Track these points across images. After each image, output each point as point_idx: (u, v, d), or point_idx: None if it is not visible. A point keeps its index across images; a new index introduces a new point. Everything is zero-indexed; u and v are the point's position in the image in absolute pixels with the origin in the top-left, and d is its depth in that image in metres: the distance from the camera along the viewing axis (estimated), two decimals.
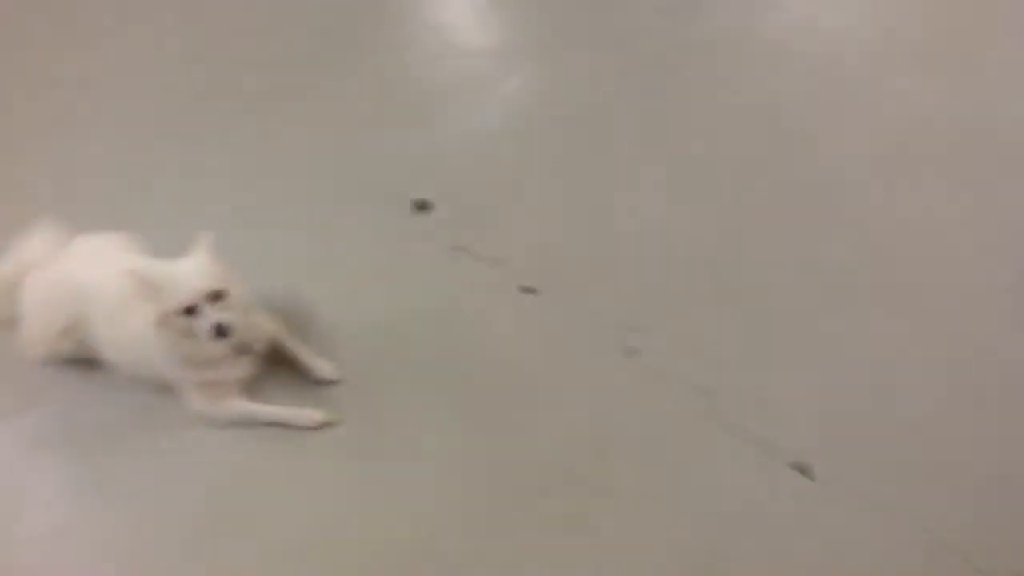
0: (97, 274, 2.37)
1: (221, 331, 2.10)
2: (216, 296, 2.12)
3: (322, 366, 2.39)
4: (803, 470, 2.07)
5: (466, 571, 1.96)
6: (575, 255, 2.68)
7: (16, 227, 2.61)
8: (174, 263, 2.18)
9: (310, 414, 2.28)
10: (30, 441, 2.36)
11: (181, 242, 2.20)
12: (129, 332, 2.26)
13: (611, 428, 2.21)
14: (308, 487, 2.17)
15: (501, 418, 2.27)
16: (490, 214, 2.85)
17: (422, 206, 2.89)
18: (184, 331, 2.13)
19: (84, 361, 2.45)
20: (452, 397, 2.34)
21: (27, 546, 2.11)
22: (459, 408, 2.31)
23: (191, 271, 2.14)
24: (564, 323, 2.47)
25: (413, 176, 3.02)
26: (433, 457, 2.20)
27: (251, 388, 2.34)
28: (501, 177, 3.01)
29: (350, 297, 2.64)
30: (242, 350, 2.27)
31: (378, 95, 3.49)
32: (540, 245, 2.73)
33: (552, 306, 2.52)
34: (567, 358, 2.39)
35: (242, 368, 2.32)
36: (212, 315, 2.10)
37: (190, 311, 2.10)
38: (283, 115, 3.42)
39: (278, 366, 2.41)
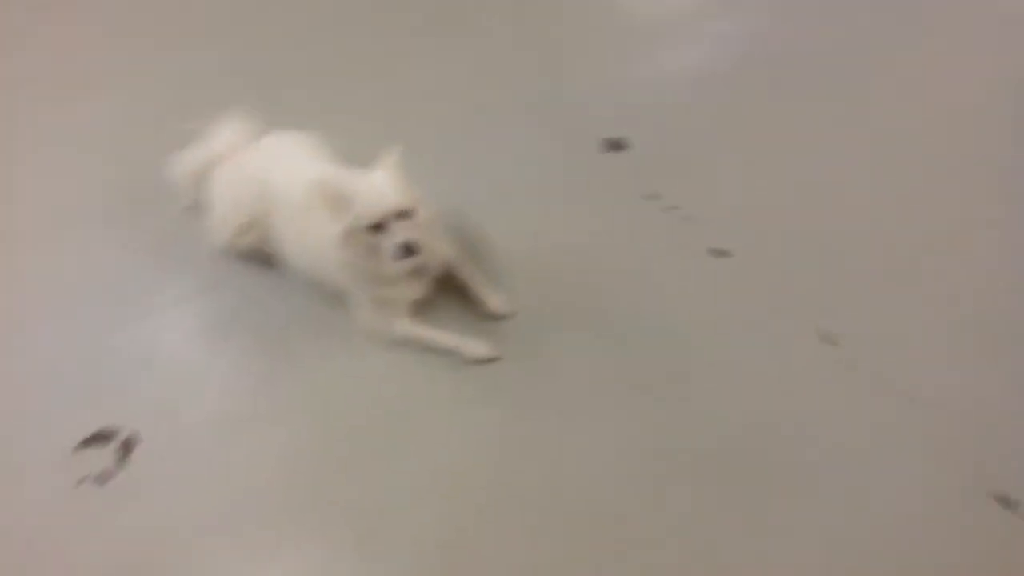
0: (284, 174, 2.35)
1: (408, 250, 2.04)
2: (404, 214, 2.06)
3: (494, 299, 2.30)
4: (1007, 503, 1.84)
5: (598, 533, 1.86)
6: (776, 222, 2.46)
7: (212, 115, 2.63)
8: (362, 175, 2.13)
9: (475, 346, 2.21)
10: (208, 326, 2.41)
11: (368, 152, 2.14)
12: (308, 237, 2.24)
13: (790, 419, 2.02)
14: (460, 419, 2.11)
15: (666, 385, 2.12)
16: (687, 164, 2.66)
17: (615, 145, 2.72)
18: (368, 247, 2.08)
19: (264, 257, 2.46)
20: (619, 353, 2.20)
21: (196, 428, 2.15)
22: (623, 366, 2.17)
23: (381, 186, 2.07)
24: (753, 294, 2.28)
25: (610, 113, 2.84)
26: (588, 412, 2.09)
27: (420, 310, 2.29)
28: (704, 125, 2.79)
29: (529, 232, 2.53)
30: (419, 271, 2.21)
31: (585, 26, 3.31)
32: (738, 205, 2.52)
33: (743, 274, 2.33)
34: (751, 333, 2.21)
35: (415, 289, 2.26)
36: (400, 233, 2.04)
37: (378, 228, 2.04)
38: (488, 39, 3.32)
39: (449, 292, 2.34)
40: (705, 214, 2.48)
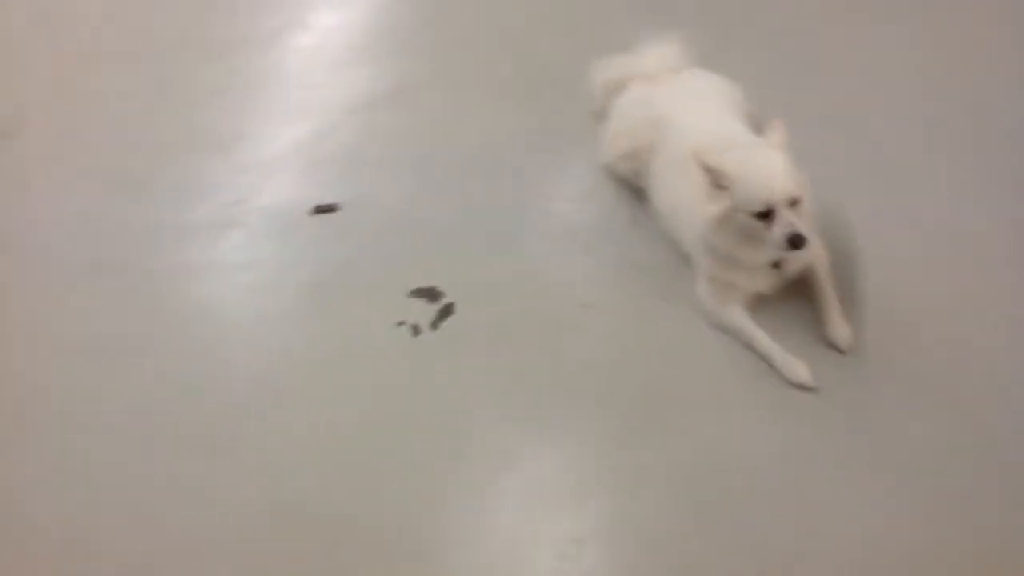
0: (684, 118, 2.29)
1: (796, 241, 1.89)
2: (795, 201, 1.92)
3: (840, 328, 2.06)
4: None
5: None
6: None
7: (650, 32, 2.61)
8: (753, 151, 2.01)
9: (797, 367, 1.99)
10: (566, 233, 2.49)
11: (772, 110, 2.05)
12: (679, 192, 2.17)
13: None
14: (744, 425, 1.96)
15: (989, 506, 1.75)
16: None
17: None
18: (744, 230, 1.97)
19: (636, 189, 2.46)
20: (943, 442, 1.86)
21: (508, 318, 2.25)
22: (942, 457, 1.84)
23: (775, 168, 1.94)
24: None
25: None
26: (877, 488, 1.80)
27: (757, 306, 2.13)
28: None
29: (913, 272, 2.21)
30: (780, 265, 2.06)
31: None
32: None
33: None
34: None
35: (766, 283, 2.11)
36: (794, 222, 1.89)
37: (764, 214, 1.91)
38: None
39: (794, 296, 2.14)
40: None
